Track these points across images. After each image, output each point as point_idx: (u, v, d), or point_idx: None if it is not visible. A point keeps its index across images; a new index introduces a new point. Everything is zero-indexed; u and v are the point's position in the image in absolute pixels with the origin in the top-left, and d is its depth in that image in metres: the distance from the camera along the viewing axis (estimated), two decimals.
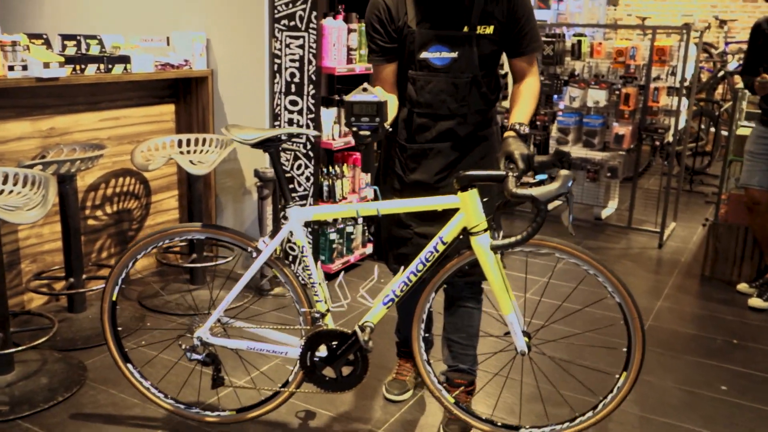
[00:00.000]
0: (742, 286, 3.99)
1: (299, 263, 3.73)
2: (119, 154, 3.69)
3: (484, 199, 2.05)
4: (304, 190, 3.74)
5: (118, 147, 3.68)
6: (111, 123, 3.62)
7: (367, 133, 1.97)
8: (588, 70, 5.15)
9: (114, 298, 2.35)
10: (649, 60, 4.77)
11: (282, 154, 3.73)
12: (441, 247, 2.10)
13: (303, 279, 2.28)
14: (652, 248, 4.81)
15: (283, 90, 3.68)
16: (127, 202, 3.80)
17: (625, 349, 2.11)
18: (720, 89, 8.82)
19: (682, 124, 4.97)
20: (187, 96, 3.95)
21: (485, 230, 2.05)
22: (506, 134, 2.09)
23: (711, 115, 7.10)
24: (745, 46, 9.24)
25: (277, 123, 3.75)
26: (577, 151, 5.11)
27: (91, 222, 3.60)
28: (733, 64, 8.76)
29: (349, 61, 3.75)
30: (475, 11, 2.18)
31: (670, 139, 4.88)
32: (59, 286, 3.32)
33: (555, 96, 5.26)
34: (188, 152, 3.58)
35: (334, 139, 3.77)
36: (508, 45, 2.28)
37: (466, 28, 2.19)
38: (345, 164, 3.90)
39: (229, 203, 4.03)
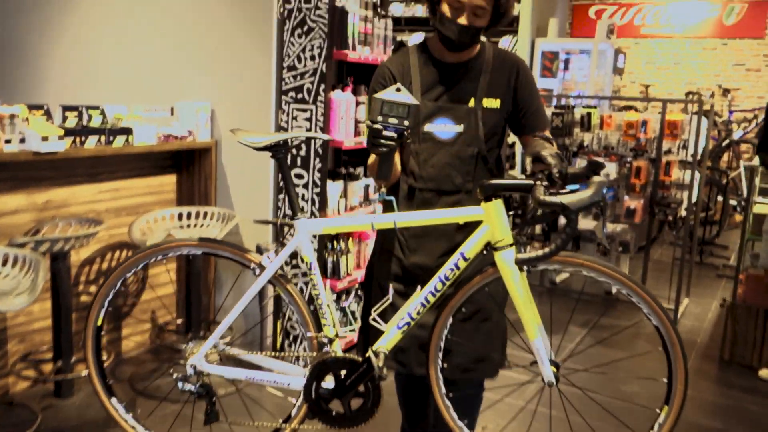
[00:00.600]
0: (764, 373, 3.81)
1: (307, 282, 3.56)
2: (117, 227, 3.56)
3: (510, 213, 1.93)
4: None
5: (116, 219, 3.55)
6: (110, 195, 3.50)
7: (393, 134, 1.85)
8: (597, 141, 5.08)
9: (99, 323, 2.16)
10: (660, 133, 4.70)
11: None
12: (462, 264, 1.95)
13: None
14: None
15: (289, 163, 3.57)
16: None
17: (665, 380, 1.90)
18: (725, 157, 8.78)
19: (694, 198, 4.86)
20: (189, 166, 3.85)
21: (511, 245, 1.90)
22: (532, 138, 2.06)
23: (718, 184, 7.02)
24: (749, 115, 9.32)
25: (281, 196, 3.63)
26: (587, 224, 4.99)
27: (84, 298, 3.44)
28: (738, 132, 8.75)
29: (357, 134, 3.66)
30: (482, 84, 2.12)
31: (683, 213, 4.76)
32: (47, 368, 3.13)
33: None
34: (188, 226, 3.46)
35: (339, 213, 3.65)
36: (518, 122, 2.21)
37: (472, 102, 2.12)
38: (350, 239, 3.77)
39: (228, 278, 3.88)
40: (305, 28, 3.42)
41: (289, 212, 3.63)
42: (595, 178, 1.72)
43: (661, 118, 4.70)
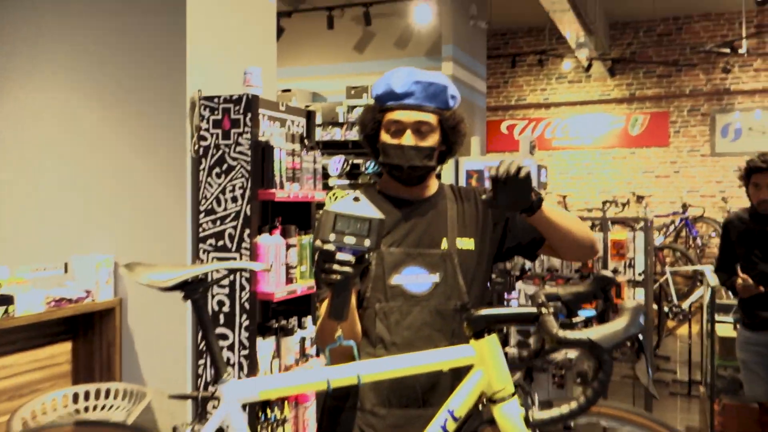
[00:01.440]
0: None
1: None
2: None
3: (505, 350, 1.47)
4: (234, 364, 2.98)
5: None
6: None
7: (349, 258, 1.40)
8: (540, 264, 4.79)
9: None
10: (604, 253, 4.46)
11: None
12: (452, 426, 1.45)
13: None
14: None
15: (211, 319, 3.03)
16: None
17: None
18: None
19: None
20: (88, 332, 3.22)
21: (513, 395, 1.44)
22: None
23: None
24: (665, 220, 9.49)
25: (201, 362, 3.06)
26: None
27: None
28: (659, 238, 8.84)
29: (289, 281, 3.18)
30: (450, 221, 1.79)
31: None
32: None
33: (506, 293, 4.83)
34: (88, 409, 2.81)
35: (272, 372, 3.10)
36: (527, 246, 1.88)
37: (444, 243, 1.76)
38: (285, 403, 3.19)
39: None
40: (224, 166, 2.99)
41: (212, 375, 3.05)
42: (627, 304, 1.35)
43: (603, 237, 4.49)
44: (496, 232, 1.86)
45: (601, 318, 1.62)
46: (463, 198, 1.88)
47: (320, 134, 7.24)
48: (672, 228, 9.21)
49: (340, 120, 7.08)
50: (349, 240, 1.40)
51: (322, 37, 7.56)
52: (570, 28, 7.26)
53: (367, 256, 1.44)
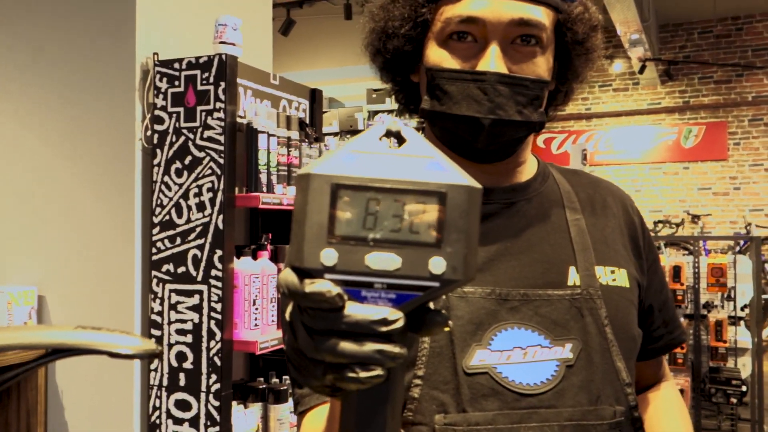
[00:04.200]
0: None
1: None
2: None
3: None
4: None
5: None
6: None
7: (387, 316, 0.42)
8: None
9: None
10: (696, 281, 3.47)
11: None
12: None
13: None
14: None
15: (165, 383, 2.10)
16: None
17: None
18: None
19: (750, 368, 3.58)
20: (2, 394, 2.31)
21: None
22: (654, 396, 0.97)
23: None
24: (725, 243, 8.43)
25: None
26: None
27: None
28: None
29: (280, 324, 2.24)
30: (578, 233, 0.93)
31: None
32: None
33: None
34: None
35: None
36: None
37: (573, 276, 0.88)
38: None
39: None
40: (188, 160, 2.08)
41: None
42: None
43: (693, 261, 3.50)
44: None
45: None
46: (593, 192, 0.98)
47: (336, 144, 6.37)
48: (734, 252, 8.15)
49: (360, 128, 6.19)
50: (385, 261, 0.42)
51: (338, 33, 6.70)
52: (624, 21, 6.32)
53: (437, 307, 0.54)
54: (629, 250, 0.95)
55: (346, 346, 0.43)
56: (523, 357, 0.81)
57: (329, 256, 0.42)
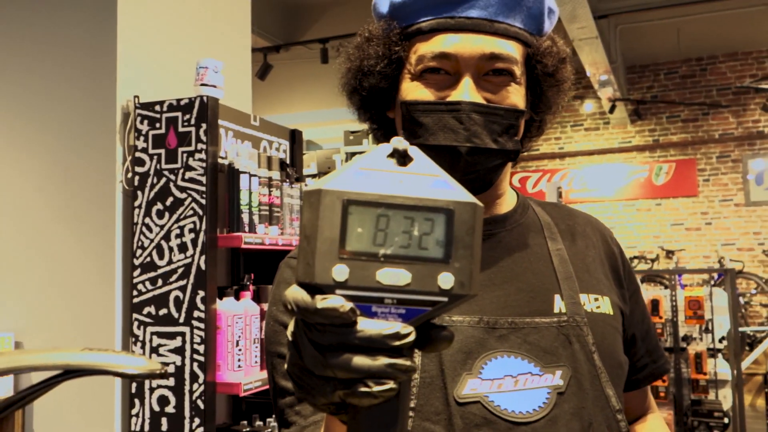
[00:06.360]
0: None
1: None
2: None
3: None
4: None
5: None
6: None
7: (400, 330, 0.43)
8: None
9: None
10: (674, 314, 3.51)
11: None
12: None
13: None
14: None
15: (147, 429, 2.06)
16: None
17: None
18: None
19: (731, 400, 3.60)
20: None
21: None
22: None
23: None
24: (699, 277, 8.54)
25: None
26: None
27: None
28: None
29: (265, 365, 2.22)
30: (561, 262, 0.94)
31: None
32: None
33: None
34: None
35: None
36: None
37: (558, 304, 0.89)
38: None
39: None
40: (169, 201, 2.08)
41: None
42: None
43: (670, 295, 3.54)
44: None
45: None
46: (573, 224, 1.00)
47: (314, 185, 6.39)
48: (710, 285, 8.25)
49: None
50: (395, 277, 0.44)
51: (315, 77, 6.79)
52: (593, 63, 6.49)
53: (442, 322, 0.57)
54: (611, 279, 0.97)
55: (360, 360, 0.43)
56: (514, 385, 0.81)
57: (341, 272, 0.43)
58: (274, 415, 0.88)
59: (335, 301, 0.43)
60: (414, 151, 0.45)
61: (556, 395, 0.82)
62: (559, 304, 0.88)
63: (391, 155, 0.45)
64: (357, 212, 0.43)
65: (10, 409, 0.67)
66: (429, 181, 0.44)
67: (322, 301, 0.43)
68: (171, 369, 2.05)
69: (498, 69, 0.85)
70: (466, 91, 0.83)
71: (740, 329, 7.28)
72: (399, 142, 0.44)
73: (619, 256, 1.01)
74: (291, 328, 0.47)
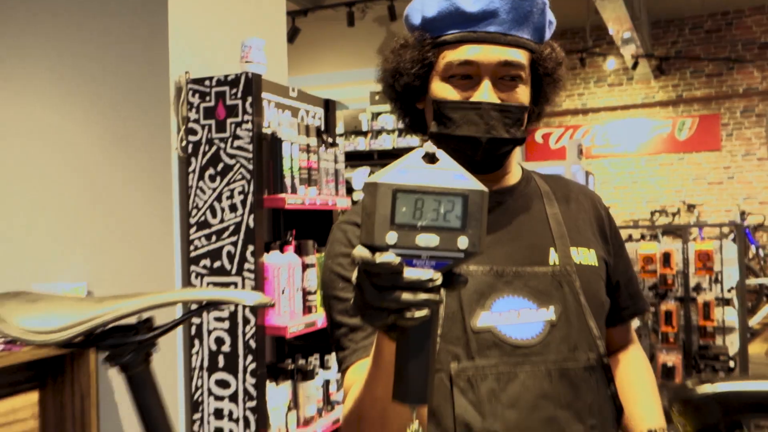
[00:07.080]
0: None
1: None
2: None
3: None
4: (238, 419, 2.30)
5: None
6: None
7: (433, 277, 0.66)
8: None
9: None
10: (686, 266, 3.73)
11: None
12: None
13: None
14: None
15: (206, 365, 2.37)
16: None
17: None
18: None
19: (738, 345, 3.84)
20: (57, 377, 2.57)
21: None
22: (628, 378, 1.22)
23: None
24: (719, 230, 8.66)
25: (197, 415, 2.39)
26: None
27: None
28: None
29: (307, 310, 2.50)
30: (556, 223, 1.16)
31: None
32: None
33: None
34: None
35: (287, 428, 2.42)
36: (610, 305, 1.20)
37: (552, 257, 1.12)
38: None
39: None
40: (220, 167, 2.35)
41: None
42: None
43: (682, 248, 3.76)
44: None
45: None
46: (567, 193, 1.23)
47: (343, 144, 6.62)
48: (727, 238, 8.39)
49: (364, 128, 6.43)
50: (428, 240, 0.66)
51: (342, 39, 6.96)
52: (616, 20, 6.56)
53: (460, 271, 0.70)
54: (597, 236, 1.21)
55: (405, 296, 0.67)
56: (517, 318, 1.07)
57: (392, 237, 0.66)
58: (331, 343, 1.14)
59: (389, 257, 0.66)
60: (440, 154, 0.68)
61: (549, 326, 1.07)
62: (553, 257, 1.12)
63: (424, 157, 0.68)
64: (402, 197, 0.66)
65: (172, 329, 0.94)
66: (451, 174, 0.67)
67: (380, 257, 0.67)
68: (225, 314, 2.34)
69: (512, 72, 1.08)
70: (485, 92, 1.07)
71: (759, 281, 7.45)
72: (429, 147, 0.68)
73: (606, 218, 1.25)
74: (355, 275, 0.71)
